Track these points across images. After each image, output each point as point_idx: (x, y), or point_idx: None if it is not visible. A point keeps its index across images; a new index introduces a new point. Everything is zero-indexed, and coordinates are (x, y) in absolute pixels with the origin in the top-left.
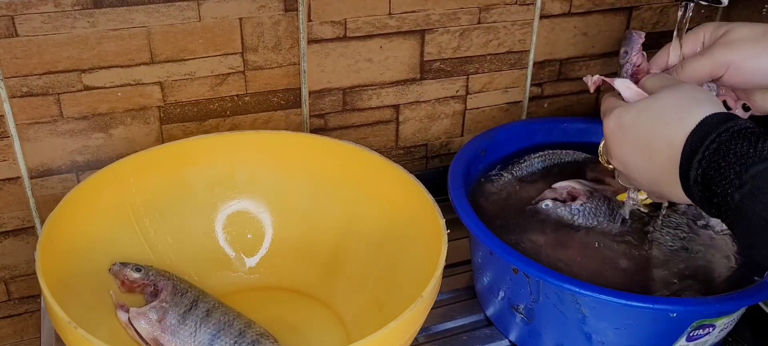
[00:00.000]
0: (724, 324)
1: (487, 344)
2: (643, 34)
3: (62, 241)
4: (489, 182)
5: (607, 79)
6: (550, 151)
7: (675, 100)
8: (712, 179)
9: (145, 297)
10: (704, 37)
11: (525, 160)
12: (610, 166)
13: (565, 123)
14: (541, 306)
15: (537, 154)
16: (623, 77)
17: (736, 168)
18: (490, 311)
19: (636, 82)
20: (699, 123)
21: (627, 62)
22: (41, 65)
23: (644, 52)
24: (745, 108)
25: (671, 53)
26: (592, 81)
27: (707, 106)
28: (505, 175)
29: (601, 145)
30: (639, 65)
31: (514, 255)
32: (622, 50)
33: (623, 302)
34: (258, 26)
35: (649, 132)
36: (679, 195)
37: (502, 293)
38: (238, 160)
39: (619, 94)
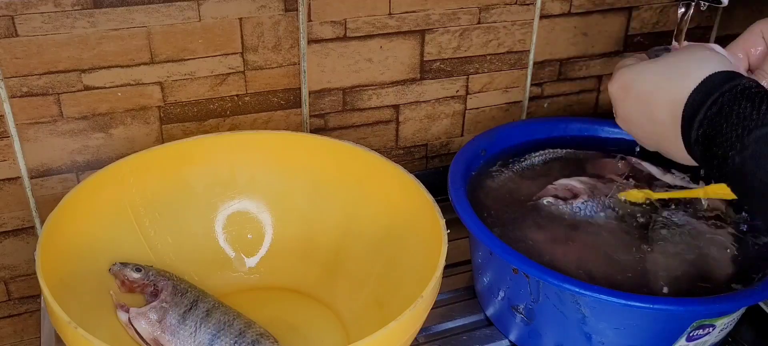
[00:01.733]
0: (724, 324)
1: (487, 344)
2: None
3: (62, 241)
4: (489, 178)
5: None
6: (551, 150)
7: (680, 59)
8: (714, 139)
9: (145, 297)
10: (763, 33)
11: (525, 159)
12: None
13: (565, 123)
14: (541, 306)
15: (537, 153)
16: None
17: (737, 130)
18: (490, 311)
19: None
20: (702, 81)
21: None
22: (41, 65)
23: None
24: None
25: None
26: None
27: (713, 64)
28: (506, 171)
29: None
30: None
31: (513, 255)
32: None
33: (623, 302)
34: (258, 26)
35: (652, 89)
36: (681, 154)
37: (502, 293)
38: (237, 161)
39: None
